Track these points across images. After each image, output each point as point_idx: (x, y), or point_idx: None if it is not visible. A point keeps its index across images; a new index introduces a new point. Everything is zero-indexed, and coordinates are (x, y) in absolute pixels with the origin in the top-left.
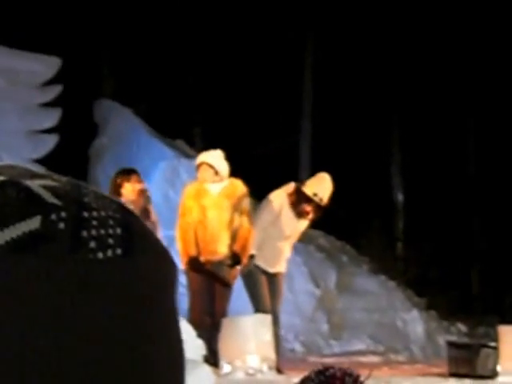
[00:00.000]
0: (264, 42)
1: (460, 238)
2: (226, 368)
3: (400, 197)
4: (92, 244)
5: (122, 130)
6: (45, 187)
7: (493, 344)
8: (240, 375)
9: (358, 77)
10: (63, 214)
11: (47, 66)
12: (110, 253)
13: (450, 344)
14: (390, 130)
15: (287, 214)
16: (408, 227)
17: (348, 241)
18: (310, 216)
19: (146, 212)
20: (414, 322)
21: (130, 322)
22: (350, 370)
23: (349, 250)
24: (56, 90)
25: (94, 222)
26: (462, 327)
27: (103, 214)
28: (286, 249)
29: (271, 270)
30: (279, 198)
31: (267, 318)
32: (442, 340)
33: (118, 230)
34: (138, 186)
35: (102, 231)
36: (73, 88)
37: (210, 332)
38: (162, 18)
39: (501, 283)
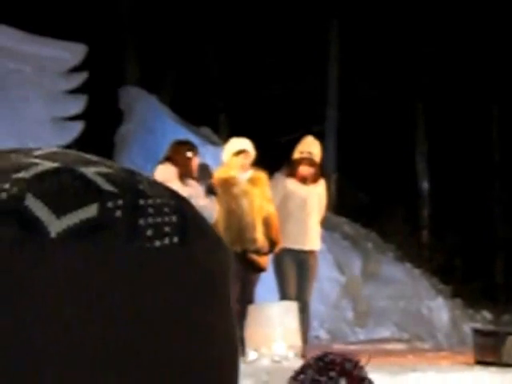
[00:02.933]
0: (289, 29)
1: (485, 226)
2: (251, 355)
3: (425, 184)
4: (149, 232)
5: (148, 116)
6: (99, 174)
7: None
8: (266, 362)
9: (383, 64)
10: (120, 202)
11: (73, 52)
12: (166, 241)
13: (476, 331)
14: (415, 118)
15: (292, 186)
16: (433, 215)
17: (373, 228)
18: (310, 174)
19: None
20: (440, 309)
21: (189, 311)
22: (350, 356)
23: (374, 238)
24: (81, 77)
25: (150, 210)
26: (487, 315)
27: (158, 201)
28: (311, 221)
29: (302, 247)
30: (278, 179)
31: (293, 305)
32: (467, 328)
33: (174, 218)
34: (197, 163)
35: (159, 219)
36: (98, 75)
37: (236, 319)
38: (187, 3)
39: None
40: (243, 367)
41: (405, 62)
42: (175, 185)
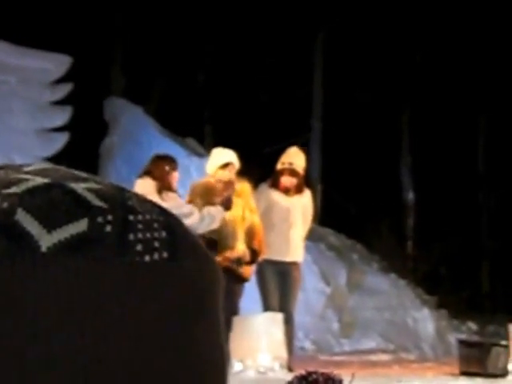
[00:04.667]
0: (274, 41)
1: (470, 237)
2: (237, 366)
3: (410, 195)
4: (138, 247)
5: (133, 128)
6: (89, 190)
7: (504, 342)
8: (251, 373)
9: (368, 76)
10: (109, 217)
11: (58, 64)
12: (156, 256)
13: (461, 342)
14: (401, 129)
15: (275, 197)
16: (418, 226)
17: (358, 239)
18: (293, 185)
19: None
20: (425, 320)
21: (177, 325)
22: (333, 375)
23: (359, 249)
24: (66, 89)
25: (140, 225)
26: (473, 325)
27: (148, 217)
28: (293, 233)
29: (283, 258)
30: (262, 189)
31: (278, 317)
32: (452, 338)
33: (163, 234)
34: (177, 176)
35: (148, 234)
36: (83, 86)
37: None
38: (173, 16)
39: (511, 281)
40: (229, 379)
41: (390, 74)
42: (153, 199)
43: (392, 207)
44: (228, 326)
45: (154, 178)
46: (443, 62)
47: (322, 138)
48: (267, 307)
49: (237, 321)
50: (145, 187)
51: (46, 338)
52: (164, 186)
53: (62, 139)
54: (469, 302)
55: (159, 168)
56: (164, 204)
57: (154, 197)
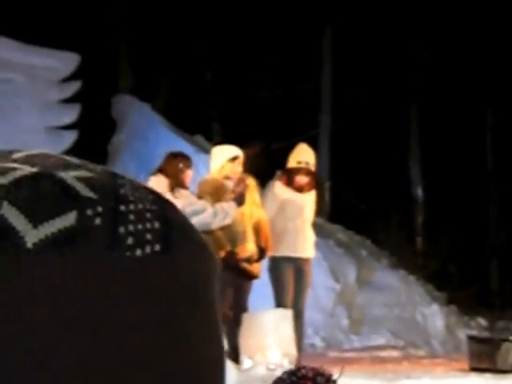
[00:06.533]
0: (282, 36)
1: (479, 232)
2: (246, 363)
3: (419, 191)
4: (129, 240)
5: (141, 125)
6: (79, 179)
7: None
8: (261, 370)
9: (376, 70)
10: (99, 209)
11: (66, 62)
12: (148, 249)
13: (471, 338)
14: (409, 125)
15: (288, 195)
16: (427, 221)
17: (367, 235)
18: (307, 183)
19: None
20: (434, 316)
21: (170, 322)
22: (322, 370)
23: (368, 245)
24: (75, 86)
25: (131, 217)
26: (482, 321)
27: (140, 206)
28: (307, 229)
29: (301, 255)
30: (274, 187)
31: (288, 313)
32: (462, 334)
33: (156, 224)
34: (191, 174)
35: (140, 226)
36: (91, 84)
37: (230, 327)
38: (180, 13)
39: None
40: (238, 375)
41: (398, 68)
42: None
43: (401, 203)
44: (237, 322)
45: (167, 175)
46: (451, 57)
47: (330, 133)
48: (282, 304)
49: (246, 317)
50: (157, 185)
51: (31, 339)
52: (177, 184)
53: (70, 137)
54: (478, 297)
55: (172, 165)
56: (176, 201)
57: (165, 194)
